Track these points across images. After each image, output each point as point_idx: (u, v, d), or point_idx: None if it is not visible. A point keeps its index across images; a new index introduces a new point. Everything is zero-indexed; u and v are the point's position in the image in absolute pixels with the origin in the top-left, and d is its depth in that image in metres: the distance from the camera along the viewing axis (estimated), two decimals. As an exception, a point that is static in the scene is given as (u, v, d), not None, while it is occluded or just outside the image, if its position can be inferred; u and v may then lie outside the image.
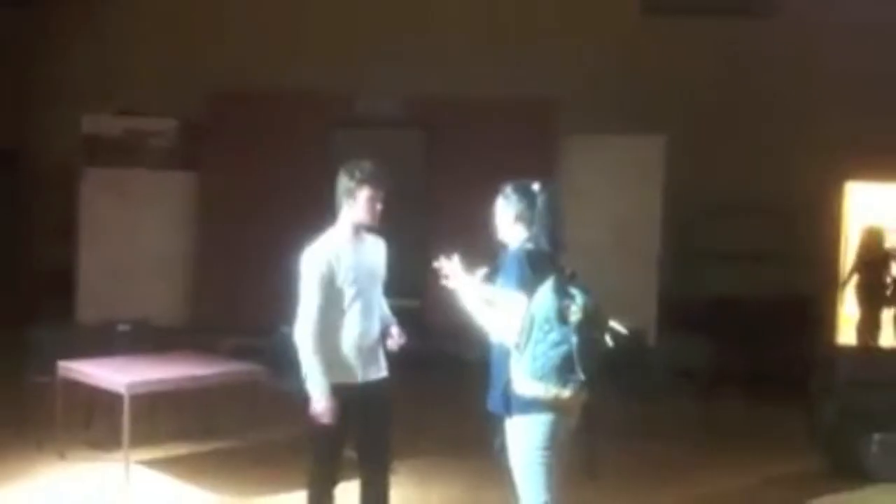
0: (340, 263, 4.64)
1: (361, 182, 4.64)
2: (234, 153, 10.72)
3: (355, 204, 4.66)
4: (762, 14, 11.46)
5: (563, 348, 3.96)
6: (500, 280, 4.26)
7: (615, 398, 9.09)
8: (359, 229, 4.74)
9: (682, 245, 10.89)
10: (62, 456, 6.75)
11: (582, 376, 4.00)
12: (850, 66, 10.83)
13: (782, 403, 8.73)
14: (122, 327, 7.98)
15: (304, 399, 4.71)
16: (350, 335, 4.71)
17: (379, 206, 4.70)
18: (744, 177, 11.16)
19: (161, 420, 7.39)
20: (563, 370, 3.98)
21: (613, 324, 4.17)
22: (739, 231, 11.00)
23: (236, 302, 10.41)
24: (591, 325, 4.01)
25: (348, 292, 4.67)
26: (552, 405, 4.06)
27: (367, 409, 4.79)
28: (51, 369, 6.80)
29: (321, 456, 4.82)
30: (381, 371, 4.88)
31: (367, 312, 4.74)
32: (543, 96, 10.65)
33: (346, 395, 4.67)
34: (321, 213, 10.51)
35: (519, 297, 4.07)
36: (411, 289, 11.24)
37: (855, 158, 10.41)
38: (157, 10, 12.12)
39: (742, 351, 9.42)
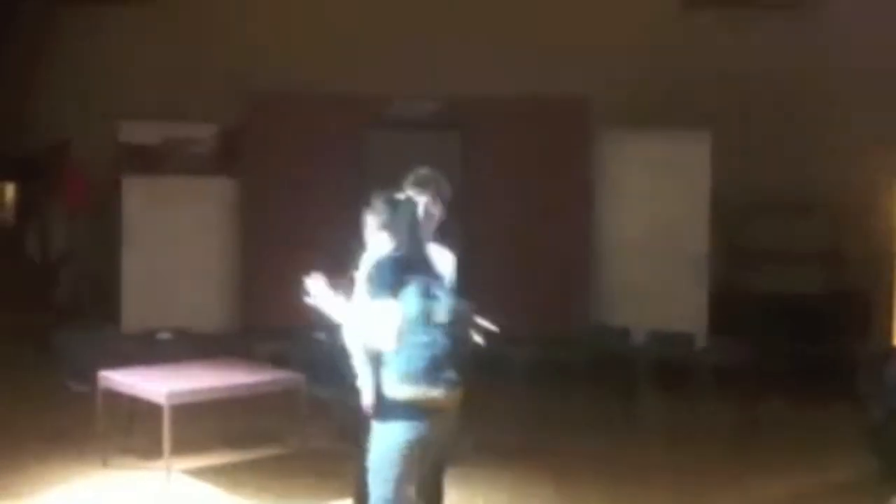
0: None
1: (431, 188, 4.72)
2: (272, 157, 10.67)
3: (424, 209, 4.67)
4: (808, 6, 11.21)
5: (432, 349, 4.01)
6: (368, 289, 4.29)
7: (663, 401, 8.99)
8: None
9: (730, 244, 10.67)
10: (104, 465, 6.72)
11: (453, 376, 4.06)
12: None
13: (833, 405, 8.52)
14: (162, 335, 7.98)
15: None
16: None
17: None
18: (793, 173, 10.90)
19: (202, 428, 7.34)
20: (433, 371, 4.02)
21: (483, 322, 4.29)
22: (789, 228, 10.76)
23: (277, 308, 10.33)
24: (460, 325, 4.09)
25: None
26: (423, 406, 4.08)
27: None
28: (92, 378, 6.78)
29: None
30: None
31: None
32: (579, 94, 10.48)
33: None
34: (358, 216, 10.68)
35: (390, 304, 4.10)
36: (451, 289, 11.18)
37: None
38: (194, 15, 12.13)
39: (791, 351, 9.21)
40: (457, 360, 4.06)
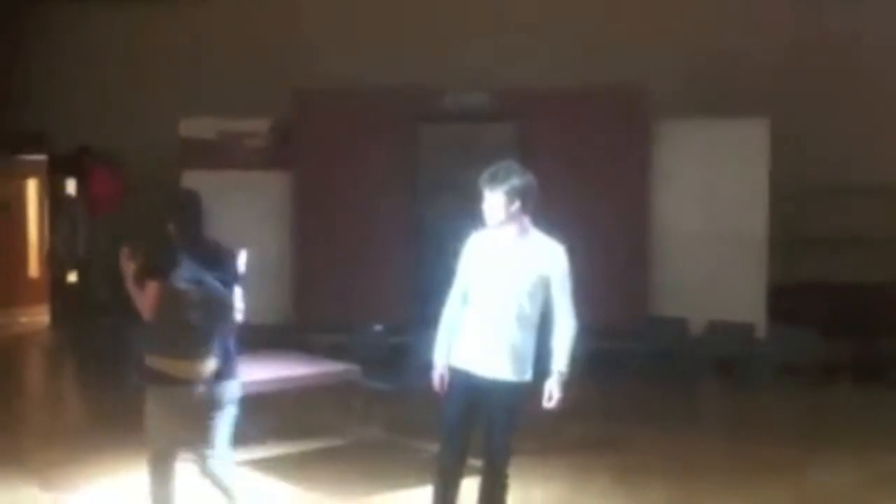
0: (477, 256, 4.79)
1: (480, 185, 4.78)
2: (325, 150, 10.71)
3: (519, 207, 4.79)
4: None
5: (186, 325, 4.59)
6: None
7: (723, 393, 8.85)
8: (524, 230, 4.83)
9: (790, 232, 10.48)
10: (162, 456, 6.78)
11: (207, 349, 4.65)
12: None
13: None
14: (219, 328, 8.01)
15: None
16: (473, 326, 4.78)
17: (495, 208, 4.76)
18: (854, 158, 10.69)
19: (258, 419, 7.38)
20: (189, 345, 4.61)
21: (240, 303, 5.07)
22: (851, 215, 10.53)
23: (333, 300, 10.41)
24: (216, 305, 4.73)
25: (477, 285, 4.76)
26: (177, 376, 4.64)
27: (489, 406, 4.81)
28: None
29: (441, 437, 4.99)
30: (507, 374, 4.77)
31: (495, 310, 4.73)
32: (634, 83, 10.35)
33: (466, 383, 4.77)
34: (411, 208, 10.70)
35: (155, 284, 4.68)
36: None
37: None
38: (246, 11, 12.24)
39: (855, 342, 9.01)
40: (210, 335, 4.67)
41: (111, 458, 6.82)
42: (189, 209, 5.06)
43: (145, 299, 4.71)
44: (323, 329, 9.68)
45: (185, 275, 4.66)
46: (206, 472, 4.95)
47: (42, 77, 13.03)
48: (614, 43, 11.18)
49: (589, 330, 9.75)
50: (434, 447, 7.02)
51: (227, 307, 4.84)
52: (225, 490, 4.98)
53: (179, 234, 4.87)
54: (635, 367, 9.36)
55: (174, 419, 4.78)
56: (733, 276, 9.84)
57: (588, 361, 9.61)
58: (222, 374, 4.82)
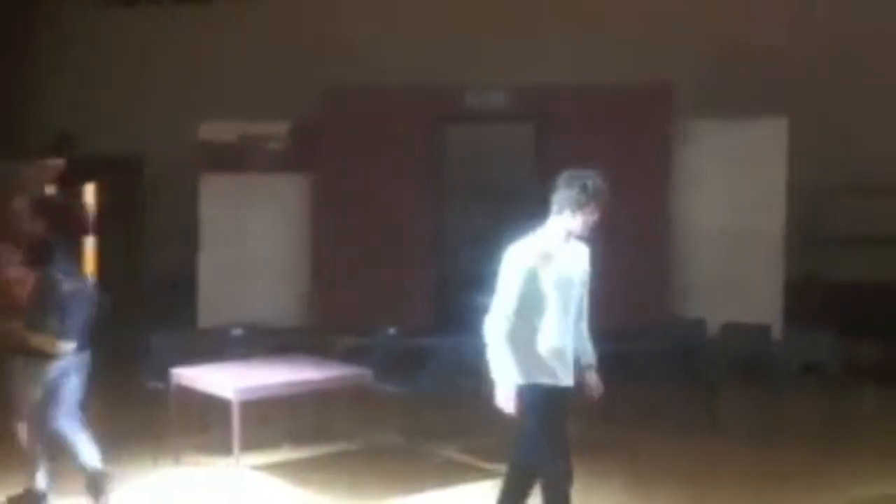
0: (546, 266, 4.64)
1: (593, 197, 4.68)
2: (345, 152, 10.70)
3: (579, 215, 4.69)
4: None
5: (63, 314, 5.57)
6: None
7: (740, 395, 8.76)
8: (570, 236, 4.76)
9: (810, 231, 10.37)
10: (177, 461, 6.83)
11: (73, 334, 5.63)
12: None
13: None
14: (235, 332, 8.06)
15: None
16: (547, 338, 4.68)
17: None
18: (874, 156, 10.56)
19: (273, 423, 7.43)
20: (66, 330, 5.60)
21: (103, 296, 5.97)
22: (872, 213, 10.41)
23: (351, 303, 10.42)
24: (82, 296, 5.69)
25: (550, 295, 4.64)
26: (56, 357, 5.62)
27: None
28: (167, 375, 6.89)
29: (555, 455, 4.78)
30: (570, 379, 4.81)
31: (565, 317, 4.73)
32: (657, 81, 10.27)
33: (555, 395, 4.70)
34: (434, 209, 10.68)
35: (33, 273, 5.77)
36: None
37: None
38: (265, 13, 12.28)
39: (875, 343, 8.89)
40: (75, 322, 5.63)
41: (133, 464, 6.84)
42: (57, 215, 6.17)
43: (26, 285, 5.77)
44: (342, 332, 9.68)
45: (60, 268, 5.64)
46: (55, 429, 5.73)
47: (61, 80, 13.14)
48: (638, 41, 11.12)
49: (608, 330, 9.83)
50: (447, 451, 7.09)
51: (91, 299, 5.80)
52: (69, 447, 5.77)
53: (52, 234, 5.82)
54: (652, 368, 9.28)
55: (35, 387, 5.64)
56: (751, 276, 9.76)
57: (606, 362, 9.66)
58: (78, 349, 5.72)
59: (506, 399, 4.62)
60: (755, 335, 8.78)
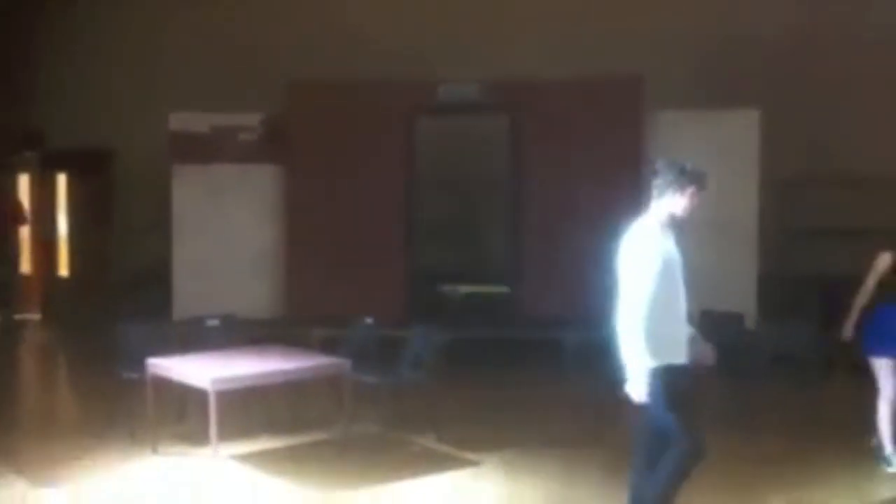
0: (669, 251, 4.80)
1: (694, 180, 4.82)
2: (318, 144, 10.71)
3: (681, 198, 4.82)
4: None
5: None
6: None
7: (715, 384, 8.80)
8: (672, 219, 4.88)
9: (783, 221, 10.47)
10: (154, 450, 6.80)
11: None
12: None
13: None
14: (210, 322, 8.03)
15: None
16: (676, 317, 4.81)
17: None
18: (847, 148, 10.67)
19: (250, 413, 7.41)
20: None
21: None
22: (844, 205, 10.51)
23: (326, 293, 10.41)
24: None
25: (672, 276, 4.78)
26: None
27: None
28: (142, 366, 6.86)
29: (690, 429, 4.86)
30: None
31: (679, 296, 4.85)
32: (629, 73, 10.33)
33: (684, 373, 4.83)
34: (406, 200, 10.68)
35: None
36: (501, 275, 11.12)
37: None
38: (237, 5, 12.21)
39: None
40: None
41: (111, 455, 6.81)
42: None
43: None
44: (317, 323, 9.67)
45: None
46: None
47: (34, 74, 13.03)
48: (610, 33, 11.15)
49: (583, 320, 9.87)
50: (424, 440, 7.10)
51: None
52: None
53: None
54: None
55: None
56: (725, 266, 9.84)
57: (580, 352, 9.70)
58: None
59: (639, 385, 4.71)
60: (729, 324, 8.84)
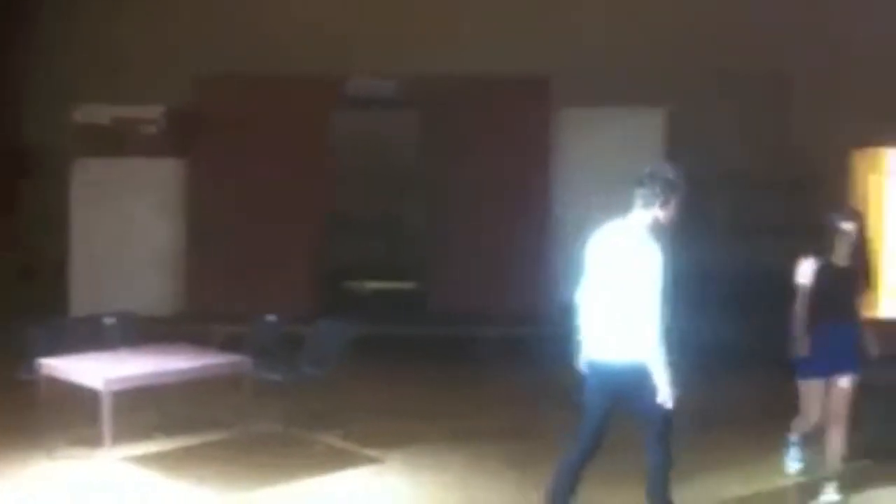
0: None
1: (679, 190, 4.89)
2: (224, 139, 10.54)
3: (667, 208, 4.88)
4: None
5: None
6: None
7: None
8: (657, 227, 4.93)
9: (686, 219, 10.60)
10: (49, 453, 6.58)
11: None
12: (866, 33, 10.45)
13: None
14: (108, 320, 7.81)
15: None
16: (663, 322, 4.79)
17: None
18: (749, 148, 10.88)
19: (148, 414, 7.22)
20: None
21: None
22: (745, 203, 10.72)
23: (230, 290, 10.25)
24: None
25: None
26: None
27: None
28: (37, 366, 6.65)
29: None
30: None
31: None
32: (539, 72, 10.39)
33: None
34: (314, 195, 10.57)
35: None
36: (411, 271, 11.11)
37: (870, 124, 10.09)
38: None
39: (754, 328, 9.12)
40: None
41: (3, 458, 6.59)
42: None
43: None
44: (219, 320, 9.51)
45: None
46: None
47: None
48: (521, 32, 11.19)
49: (497, 317, 9.89)
50: (327, 438, 7.02)
51: None
52: None
53: None
54: (542, 354, 9.40)
55: None
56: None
57: (495, 348, 9.73)
58: None
59: (672, 395, 4.75)
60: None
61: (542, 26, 11.17)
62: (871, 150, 11.31)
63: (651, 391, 4.79)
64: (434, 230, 10.78)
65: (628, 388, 4.84)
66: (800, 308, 5.68)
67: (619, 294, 4.80)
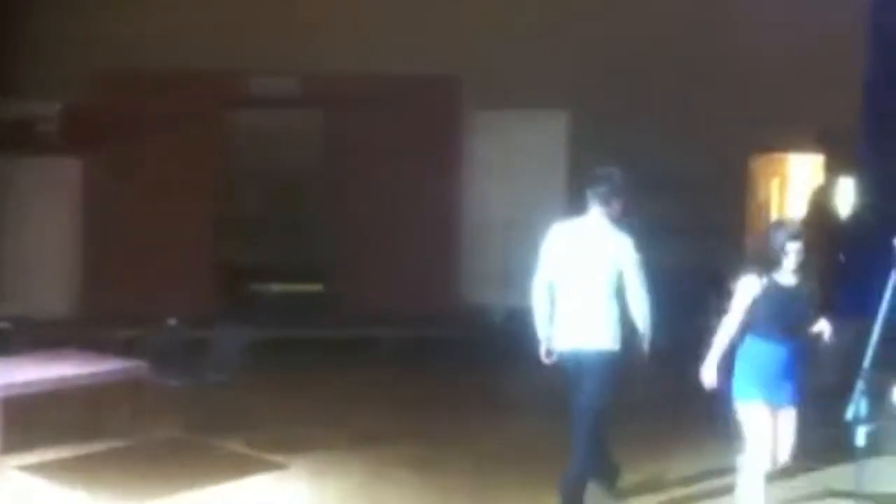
0: None
1: (624, 188, 5.44)
2: (122, 136, 10.27)
3: (617, 205, 5.43)
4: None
5: None
6: None
7: (523, 380, 8.92)
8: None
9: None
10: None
11: None
12: (761, 40, 10.69)
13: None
14: (1, 325, 7.57)
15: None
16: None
17: None
18: (651, 151, 11.02)
19: (41, 421, 6.98)
20: None
21: None
22: (650, 205, 10.87)
23: (129, 293, 9.99)
24: None
25: None
26: None
27: None
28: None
29: None
30: None
31: None
32: (445, 72, 10.39)
33: None
34: (216, 195, 10.38)
35: None
36: (317, 273, 11.01)
37: (766, 130, 10.36)
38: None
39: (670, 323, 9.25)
40: None
41: None
42: None
43: None
44: (117, 323, 9.28)
45: None
46: None
47: None
48: (429, 31, 11.15)
49: (399, 318, 9.86)
50: (230, 444, 6.90)
51: None
52: None
53: None
54: (442, 355, 9.42)
55: None
56: (533, 263, 10.02)
57: (397, 349, 9.70)
58: None
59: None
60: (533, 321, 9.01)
61: (450, 26, 11.14)
62: (772, 156, 11.68)
63: (610, 385, 5.26)
64: (340, 232, 10.70)
65: (592, 375, 5.24)
66: (725, 329, 5.15)
67: (600, 284, 5.29)
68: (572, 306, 5.33)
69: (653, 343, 5.34)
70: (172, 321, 7.53)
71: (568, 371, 5.37)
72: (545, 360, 5.44)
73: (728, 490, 5.56)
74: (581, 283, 5.32)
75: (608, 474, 5.65)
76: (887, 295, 4.75)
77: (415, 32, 11.13)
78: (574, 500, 5.32)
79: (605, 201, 5.35)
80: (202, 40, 10.82)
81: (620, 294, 5.30)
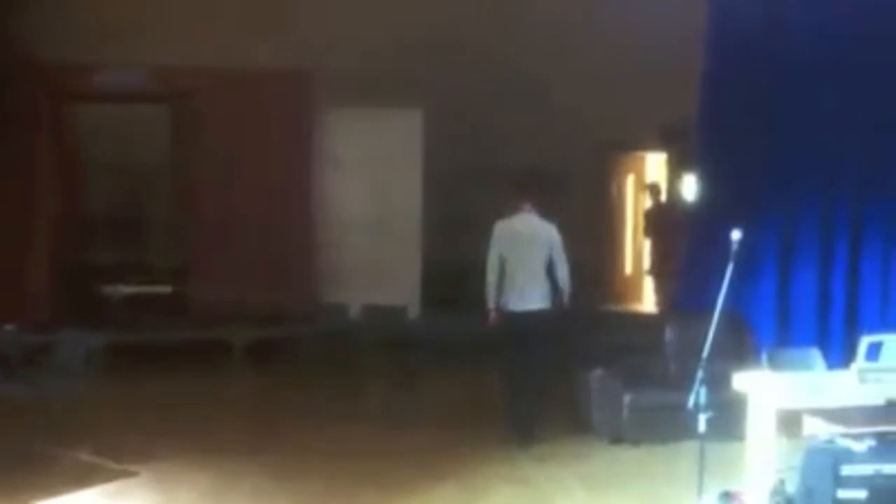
0: None
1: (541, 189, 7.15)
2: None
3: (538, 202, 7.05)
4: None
5: None
6: None
7: (379, 378, 8.90)
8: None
9: (444, 215, 10.82)
10: None
11: None
12: (614, 37, 10.93)
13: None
14: None
15: None
16: None
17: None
18: (507, 149, 11.17)
19: None
20: None
21: None
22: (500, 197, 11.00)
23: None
24: None
25: None
26: None
27: None
28: None
29: None
30: None
31: None
32: (300, 68, 10.26)
33: None
34: (58, 191, 9.95)
35: None
36: (166, 273, 10.70)
37: (629, 127, 10.60)
38: None
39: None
40: None
41: None
42: None
43: None
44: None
45: None
46: None
47: None
48: (283, 26, 10.97)
49: (252, 317, 9.68)
50: (75, 453, 6.63)
51: None
52: None
53: None
54: (296, 355, 9.32)
55: None
56: (390, 259, 10.05)
57: (249, 350, 9.52)
58: None
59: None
60: (392, 317, 9.04)
61: (308, 21, 10.99)
62: (629, 153, 11.99)
63: (545, 340, 6.78)
64: (190, 230, 10.42)
65: (535, 332, 6.76)
66: None
67: (539, 259, 6.86)
68: (517, 277, 6.86)
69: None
70: (10, 326, 7.18)
71: (514, 325, 6.79)
72: (491, 321, 6.88)
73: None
74: (526, 259, 6.87)
75: (526, 425, 6.74)
76: (724, 288, 4.88)
77: (268, 26, 10.95)
78: (527, 433, 6.67)
79: (532, 200, 6.93)
80: (48, 31, 10.38)
81: (549, 267, 6.89)
